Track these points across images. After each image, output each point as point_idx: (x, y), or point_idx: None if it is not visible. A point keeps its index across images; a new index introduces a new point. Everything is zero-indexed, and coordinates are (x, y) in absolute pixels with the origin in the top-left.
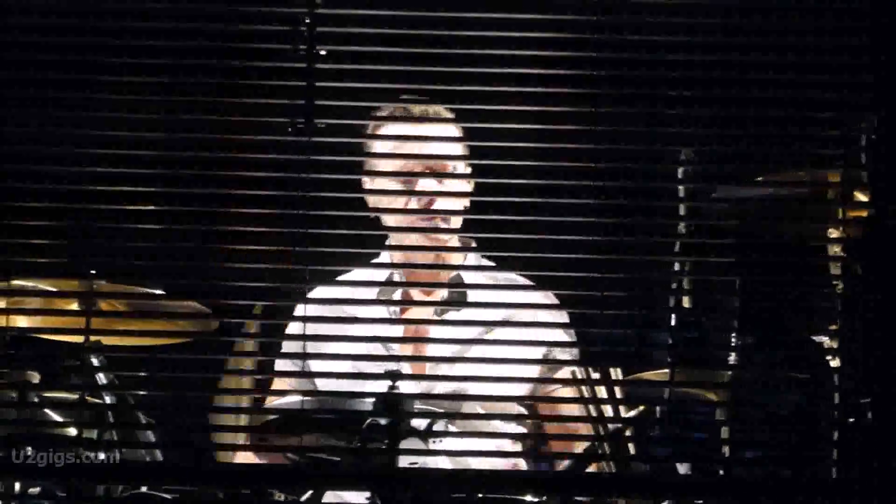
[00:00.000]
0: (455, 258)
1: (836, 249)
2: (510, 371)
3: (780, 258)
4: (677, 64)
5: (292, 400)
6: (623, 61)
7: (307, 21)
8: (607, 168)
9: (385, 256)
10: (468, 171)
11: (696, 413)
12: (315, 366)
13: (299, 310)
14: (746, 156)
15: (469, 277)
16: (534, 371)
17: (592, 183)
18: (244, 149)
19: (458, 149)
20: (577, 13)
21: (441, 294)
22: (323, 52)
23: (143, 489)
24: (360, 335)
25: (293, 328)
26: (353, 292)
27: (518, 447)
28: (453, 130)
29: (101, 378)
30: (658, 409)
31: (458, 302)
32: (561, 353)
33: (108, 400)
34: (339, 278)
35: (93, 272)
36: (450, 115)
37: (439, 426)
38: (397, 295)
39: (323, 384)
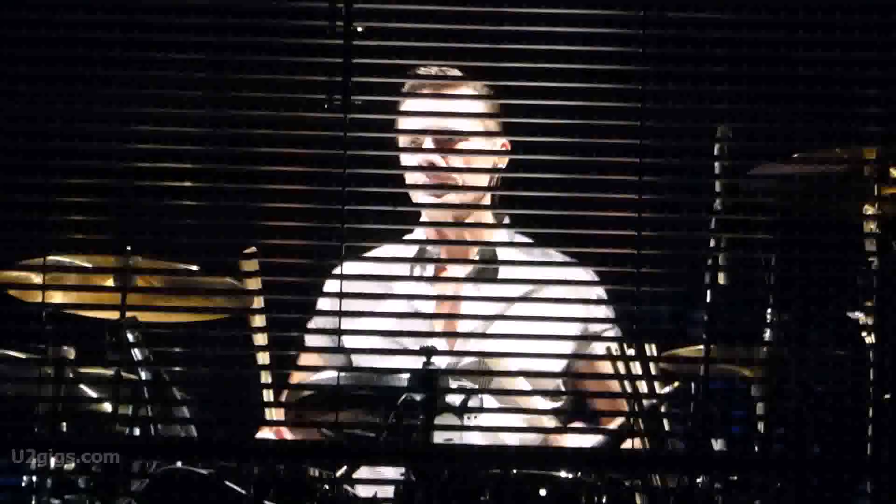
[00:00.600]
0: (485, 234)
1: (871, 226)
2: (546, 346)
3: (817, 235)
4: (718, 41)
5: (328, 376)
6: (666, 38)
7: None
8: (647, 145)
9: (419, 232)
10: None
11: (731, 390)
12: (349, 341)
13: (333, 286)
14: (783, 133)
15: (503, 253)
16: (570, 347)
17: (632, 160)
18: (282, 126)
19: (470, 108)
20: None
21: (471, 269)
22: (360, 29)
23: (178, 465)
24: (394, 311)
25: (326, 304)
26: (387, 268)
27: (553, 423)
28: (469, 91)
29: (137, 354)
30: (694, 385)
31: (489, 279)
32: (596, 329)
33: (143, 376)
34: (369, 254)
35: (129, 248)
36: (462, 76)
37: (474, 402)
38: (430, 270)
39: (356, 359)
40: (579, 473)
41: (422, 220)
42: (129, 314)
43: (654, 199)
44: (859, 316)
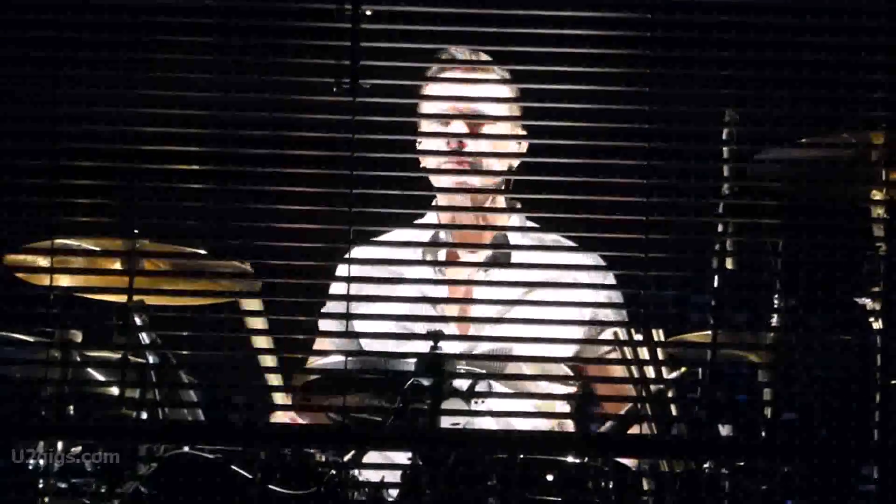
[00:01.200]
0: (500, 219)
1: (879, 211)
2: (554, 332)
3: (824, 220)
4: (725, 25)
5: (335, 360)
6: (673, 23)
7: None
8: (655, 129)
9: (431, 217)
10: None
11: (738, 375)
12: (359, 326)
13: (343, 270)
14: (791, 117)
15: (514, 238)
16: (578, 332)
17: (639, 144)
18: (289, 110)
19: (499, 93)
20: None
21: (485, 255)
22: (368, 13)
23: (185, 449)
24: (405, 295)
25: (337, 288)
26: (398, 252)
27: (560, 408)
28: (496, 76)
29: (144, 338)
30: (700, 370)
31: (503, 263)
32: (605, 315)
33: (150, 360)
34: (380, 238)
35: (136, 232)
36: (491, 61)
37: (482, 387)
38: (442, 255)
39: (366, 344)
40: (586, 458)
41: (436, 203)
42: (136, 297)
43: (661, 184)
44: (866, 301)
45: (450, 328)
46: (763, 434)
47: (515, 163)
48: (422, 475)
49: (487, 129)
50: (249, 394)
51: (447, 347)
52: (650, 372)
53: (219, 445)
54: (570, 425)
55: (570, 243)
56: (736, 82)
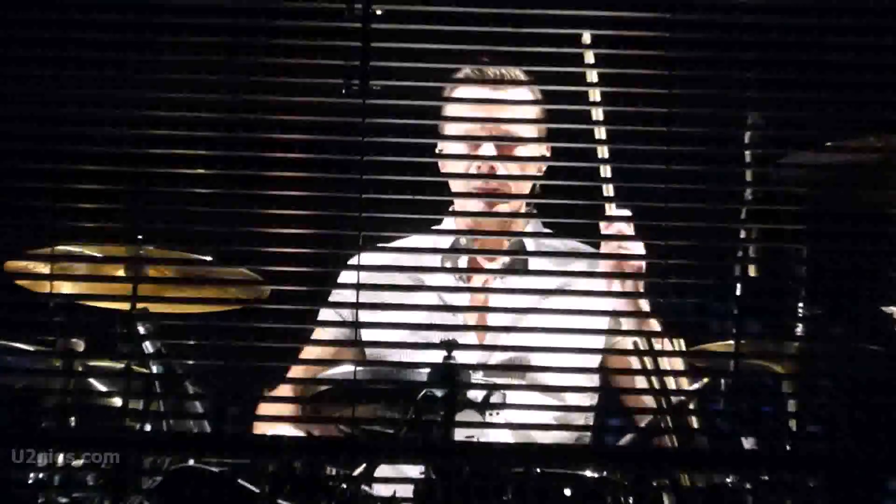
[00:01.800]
0: (518, 225)
1: None
2: (572, 341)
3: (849, 225)
4: (749, 27)
5: (345, 370)
6: (694, 22)
7: None
8: (675, 132)
9: (449, 223)
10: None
11: (761, 385)
12: (370, 335)
13: (351, 276)
14: (816, 121)
15: (532, 245)
16: (596, 341)
17: (659, 148)
18: (298, 112)
19: (530, 113)
20: None
21: (502, 261)
22: (379, 12)
23: (191, 462)
24: (425, 303)
25: (347, 295)
26: (417, 259)
27: (579, 420)
28: (525, 94)
29: (149, 347)
30: (723, 381)
31: (524, 270)
32: (623, 323)
33: (155, 369)
34: (395, 244)
35: (140, 237)
36: (524, 78)
37: (497, 398)
38: (463, 262)
39: (377, 354)
40: (605, 472)
41: (454, 209)
42: (140, 305)
43: (681, 189)
44: (893, 310)
45: (469, 337)
46: (787, 447)
47: (541, 169)
48: (435, 489)
49: (517, 150)
50: (256, 404)
51: (464, 357)
52: (671, 383)
53: (225, 458)
54: (588, 438)
55: (590, 248)
56: (759, 84)
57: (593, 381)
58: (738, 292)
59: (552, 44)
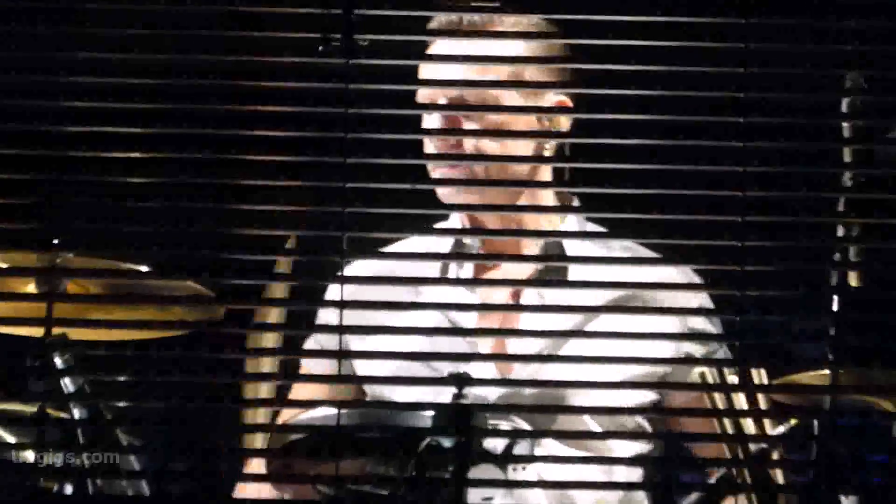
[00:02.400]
0: (550, 222)
1: None
2: (620, 373)
3: None
4: None
5: (325, 412)
6: None
7: None
8: (753, 98)
9: (455, 220)
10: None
11: (867, 428)
12: (356, 367)
13: (336, 292)
14: None
15: (571, 247)
16: (650, 373)
17: (733, 119)
18: (265, 76)
19: (511, 50)
20: None
21: (528, 270)
22: None
23: None
24: (421, 326)
25: (329, 316)
26: (413, 267)
27: (630, 475)
28: (515, 47)
29: (68, 384)
30: (816, 422)
31: (557, 281)
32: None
33: (77, 414)
34: (389, 248)
35: (56, 242)
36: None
37: (522, 448)
38: (468, 269)
39: (376, 392)
40: None
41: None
42: (56, 330)
43: (761, 172)
44: None
45: (486, 369)
46: None
47: (548, 146)
48: None
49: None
50: (210, 458)
51: (479, 395)
52: (749, 426)
53: None
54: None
55: (650, 253)
56: (859, 37)
57: (647, 425)
58: (835, 307)
59: None
